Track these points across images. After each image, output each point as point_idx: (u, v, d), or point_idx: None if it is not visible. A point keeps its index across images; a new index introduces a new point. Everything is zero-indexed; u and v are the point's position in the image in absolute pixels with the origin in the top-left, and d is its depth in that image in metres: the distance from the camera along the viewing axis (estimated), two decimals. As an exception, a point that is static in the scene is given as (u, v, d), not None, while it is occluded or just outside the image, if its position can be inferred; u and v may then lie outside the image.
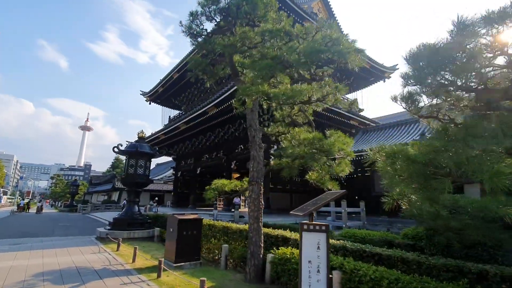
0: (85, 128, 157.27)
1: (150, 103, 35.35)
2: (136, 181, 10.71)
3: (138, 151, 10.76)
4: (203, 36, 6.64)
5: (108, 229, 10.23)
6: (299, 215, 4.63)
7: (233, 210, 24.82)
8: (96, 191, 48.98)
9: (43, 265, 6.44)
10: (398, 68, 28.37)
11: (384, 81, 29.24)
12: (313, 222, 3.66)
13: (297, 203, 24.21)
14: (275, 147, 21.80)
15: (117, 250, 8.11)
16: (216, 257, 7.46)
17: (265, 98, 5.60)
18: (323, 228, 3.53)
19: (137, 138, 11.52)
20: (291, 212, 4.91)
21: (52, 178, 65.11)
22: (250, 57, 6.08)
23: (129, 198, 10.99)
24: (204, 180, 32.20)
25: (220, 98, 18.24)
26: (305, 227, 3.54)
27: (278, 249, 5.55)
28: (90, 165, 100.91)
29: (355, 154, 18.45)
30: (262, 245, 5.51)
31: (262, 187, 5.89)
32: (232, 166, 25.08)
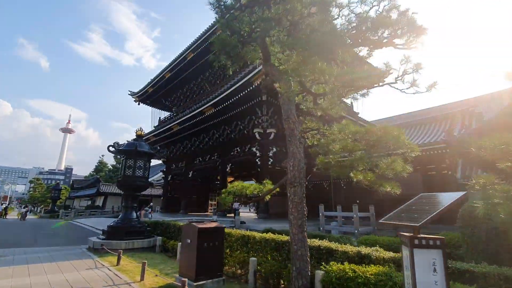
0: (66, 130, 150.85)
1: (139, 104, 33.74)
2: (134, 184, 9.47)
3: (137, 151, 9.54)
4: (232, 11, 5.62)
5: (103, 239, 8.92)
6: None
7: (228, 215, 23.70)
8: (78, 196, 46.36)
9: (30, 286, 5.18)
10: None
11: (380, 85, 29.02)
12: (425, 236, 2.73)
13: (295, 207, 23.33)
14: (274, 149, 20.93)
15: (118, 264, 6.87)
16: (238, 272, 6.39)
17: (315, 80, 4.66)
18: (438, 243, 2.62)
19: (135, 137, 10.30)
20: (381, 220, 3.91)
21: (31, 182, 61.42)
22: (289, 36, 5.14)
23: (126, 203, 9.72)
24: (196, 184, 30.82)
25: (220, 97, 17.17)
26: (416, 241, 2.61)
27: (323, 264, 4.59)
28: (72, 169, 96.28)
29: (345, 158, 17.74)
30: (309, 260, 4.53)
31: (304, 190, 4.92)
32: (227, 169, 23.94)
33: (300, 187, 4.74)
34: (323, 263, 4.75)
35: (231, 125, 22.80)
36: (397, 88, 4.19)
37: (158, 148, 10.46)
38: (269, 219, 18.46)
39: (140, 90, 31.79)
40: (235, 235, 7.04)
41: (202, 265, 5.22)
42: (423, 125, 18.35)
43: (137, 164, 9.67)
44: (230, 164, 23.81)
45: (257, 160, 20.47)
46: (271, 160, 20.49)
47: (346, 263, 4.19)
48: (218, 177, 28.84)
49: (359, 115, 24.92)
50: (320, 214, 13.40)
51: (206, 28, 21.59)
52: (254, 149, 20.59)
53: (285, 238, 5.96)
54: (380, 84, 4.35)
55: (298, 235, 4.49)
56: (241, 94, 16.65)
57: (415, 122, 18.94)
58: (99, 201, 37.74)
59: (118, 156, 31.90)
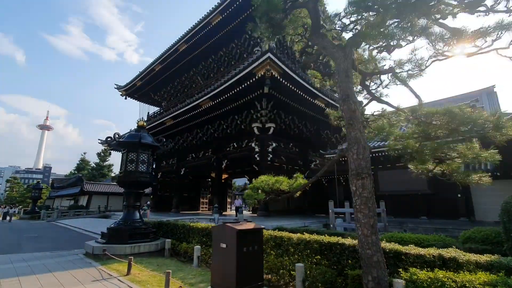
0: (44, 128, 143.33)
1: (126, 98, 32.05)
2: (137, 181, 8.35)
3: (141, 143, 8.42)
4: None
5: (103, 243, 7.77)
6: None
7: (224, 213, 22.72)
8: (59, 196, 43.80)
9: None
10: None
11: (374, 80, 28.77)
12: None
13: (295, 203, 22.63)
14: (274, 144, 20.10)
15: (128, 273, 5.81)
16: (273, 279, 5.51)
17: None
18: None
19: (134, 128, 9.14)
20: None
21: (7, 181, 57.64)
22: None
23: (128, 202, 8.57)
24: (186, 182, 29.51)
25: (220, 88, 16.10)
26: None
27: (401, 271, 3.79)
28: (50, 168, 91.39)
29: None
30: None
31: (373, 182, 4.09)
32: (223, 166, 22.90)
33: (369, 178, 3.90)
34: (390, 268, 3.96)
35: (227, 120, 21.77)
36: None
37: (164, 140, 9.28)
38: (270, 217, 17.64)
39: (128, 84, 30.10)
40: (265, 235, 6.14)
41: (243, 273, 4.30)
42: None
43: (140, 158, 8.56)
44: (225, 161, 22.80)
45: (255, 156, 19.58)
46: (271, 155, 19.67)
47: (438, 270, 3.40)
48: (212, 174, 27.74)
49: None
50: (330, 211, 12.73)
51: (201, 18, 20.42)
52: (252, 144, 19.69)
53: (327, 239, 5.12)
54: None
55: (371, 237, 3.67)
56: (242, 86, 15.68)
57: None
58: (83, 201, 35.67)
59: (110, 151, 30.06)
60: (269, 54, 13.93)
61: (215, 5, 19.52)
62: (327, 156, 18.47)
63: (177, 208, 26.64)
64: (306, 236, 5.42)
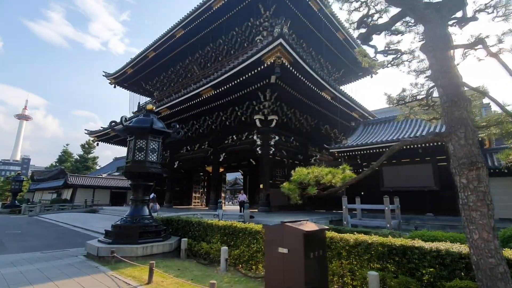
0: (22, 117, 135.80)
1: (115, 87, 30.29)
2: (147, 171, 7.27)
3: (152, 129, 7.32)
4: None
5: (109, 243, 6.67)
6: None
7: (224, 209, 21.72)
8: (40, 189, 41.29)
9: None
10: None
11: (372, 76, 28.41)
12: None
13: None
14: (276, 137, 19.23)
15: (150, 281, 4.79)
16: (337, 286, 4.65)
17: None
18: None
19: (127, 118, 7.95)
20: None
21: (-19, 173, 54.03)
22: None
23: (136, 196, 7.47)
24: (178, 176, 28.17)
25: (225, 76, 14.98)
26: None
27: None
28: (29, 159, 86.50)
29: (363, 147, 16.30)
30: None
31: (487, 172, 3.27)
32: (220, 159, 21.84)
33: (484, 168, 3.09)
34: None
35: (227, 111, 20.70)
36: None
37: (176, 125, 8.19)
38: (272, 213, 16.84)
39: (117, 71, 28.34)
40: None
41: (310, 284, 3.43)
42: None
43: (150, 146, 7.47)
44: (223, 154, 21.75)
45: (257, 149, 18.67)
46: (273, 149, 18.82)
47: None
48: (208, 168, 26.61)
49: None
50: (344, 207, 12.04)
51: (202, 1, 19.16)
52: (254, 137, 18.76)
53: (398, 241, 4.31)
54: None
55: (493, 242, 2.87)
56: (248, 75, 14.66)
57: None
58: (67, 194, 33.65)
59: (97, 142, 28.30)
60: (280, 40, 12.98)
61: (217, -11, 18.34)
62: (332, 150, 17.80)
63: (170, 203, 25.43)
64: (367, 237, 4.59)
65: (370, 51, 6.64)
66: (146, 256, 6.42)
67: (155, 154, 7.59)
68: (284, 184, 6.07)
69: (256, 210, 18.22)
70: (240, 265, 6.00)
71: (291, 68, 14.00)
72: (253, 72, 14.37)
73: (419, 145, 15.08)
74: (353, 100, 18.41)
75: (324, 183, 5.24)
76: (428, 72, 4.87)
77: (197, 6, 19.66)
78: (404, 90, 5.08)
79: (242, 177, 42.56)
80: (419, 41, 5.25)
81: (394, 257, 4.24)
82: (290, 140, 21.02)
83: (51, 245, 9.43)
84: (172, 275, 5.09)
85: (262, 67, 13.87)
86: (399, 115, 6.40)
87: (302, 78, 14.78)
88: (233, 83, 15.56)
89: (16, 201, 27.45)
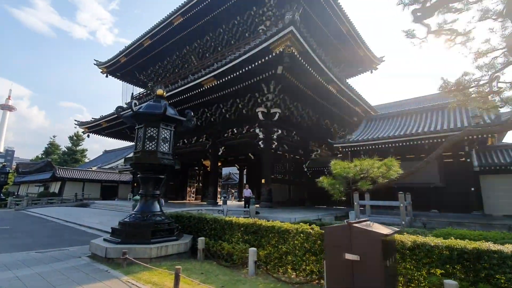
0: (6, 108, 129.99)
1: (107, 76, 28.93)
2: (158, 163, 6.50)
3: (165, 116, 6.54)
4: None
5: (118, 242, 5.89)
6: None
7: (219, 204, 21.02)
8: (25, 181, 39.47)
9: None
10: (384, 60, 27.40)
11: (372, 72, 28.04)
12: None
13: (295, 195, 21.40)
14: (279, 131, 18.59)
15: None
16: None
17: None
18: None
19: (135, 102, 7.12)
20: None
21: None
22: None
23: (146, 190, 6.69)
24: (174, 169, 27.19)
25: (230, 64, 14.15)
26: None
27: None
28: (13, 151, 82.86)
29: (369, 142, 15.69)
30: None
31: None
32: (219, 153, 21.08)
33: None
34: None
35: (227, 103, 19.91)
36: None
37: (190, 113, 7.39)
38: (274, 209, 16.27)
39: (110, 60, 27.01)
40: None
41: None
42: (435, 112, 17.40)
43: (162, 134, 6.70)
44: (223, 147, 21.00)
45: (259, 143, 18.02)
46: (275, 143, 18.20)
47: None
48: (205, 162, 25.78)
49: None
50: (355, 203, 11.51)
51: (204, -14, 18.18)
52: (257, 130, 18.06)
53: (471, 244, 3.74)
54: None
55: None
56: (254, 65, 13.90)
57: (427, 108, 17.94)
58: (55, 188, 32.19)
59: (88, 134, 26.96)
60: (292, 28, 12.26)
61: (221, -27, 17.41)
62: (336, 145, 17.32)
63: (165, 197, 24.50)
64: (428, 239, 4.00)
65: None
66: (160, 258, 5.69)
67: (167, 144, 6.84)
68: (322, 178, 5.47)
69: (257, 206, 17.64)
70: (266, 267, 5.36)
71: (300, 59, 13.33)
72: (260, 62, 13.63)
73: (425, 141, 14.76)
74: (358, 95, 17.92)
75: (372, 177, 4.65)
76: (496, 53, 4.32)
77: (199, -10, 18.66)
78: (466, 74, 4.50)
79: (237, 171, 41.89)
80: (478, 21, 4.68)
81: (464, 262, 3.68)
82: (292, 135, 20.45)
83: (46, 243, 8.56)
84: (197, 281, 4.41)
85: (270, 56, 13.14)
86: (451, 102, 5.82)
87: (310, 69, 14.14)
88: (237, 73, 14.79)
89: (1, 194, 25.97)
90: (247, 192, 14.51)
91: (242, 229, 6.22)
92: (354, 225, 3.12)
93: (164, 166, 6.63)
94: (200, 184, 30.54)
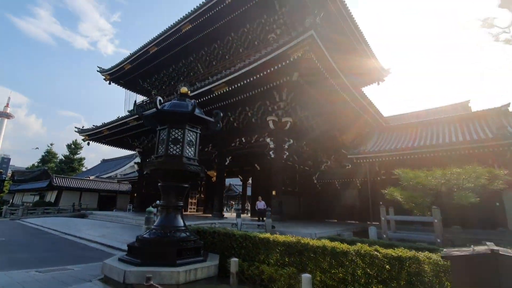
0: (4, 115, 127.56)
1: (110, 83, 28.13)
2: (184, 169, 5.57)
3: (193, 115, 5.66)
4: None
5: (138, 263, 4.83)
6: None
7: (226, 217, 19.89)
8: (20, 190, 37.85)
9: None
10: (391, 72, 27.00)
11: (378, 83, 27.58)
12: None
13: (305, 207, 20.36)
14: (290, 141, 17.73)
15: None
16: None
17: None
18: None
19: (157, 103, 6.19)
20: None
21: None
22: None
23: (168, 201, 5.70)
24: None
25: (246, 69, 13.41)
26: None
27: None
28: (9, 159, 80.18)
29: (391, 153, 14.60)
30: None
31: None
32: (226, 163, 20.10)
33: None
34: None
35: (235, 111, 19.08)
36: None
37: (220, 113, 6.43)
38: (286, 222, 15.22)
39: (114, 67, 26.27)
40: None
41: None
42: (453, 124, 16.74)
43: (187, 137, 5.79)
44: (229, 157, 20.05)
45: (270, 152, 17.11)
46: (286, 153, 17.33)
47: None
48: (209, 172, 24.69)
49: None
50: (382, 219, 10.59)
51: (215, -8, 17.67)
52: (268, 140, 17.19)
53: None
54: None
55: None
56: (270, 70, 13.19)
57: (444, 120, 17.30)
58: (51, 197, 30.69)
59: (88, 142, 25.80)
60: (312, 32, 11.61)
61: (234, -20, 16.95)
62: (350, 156, 16.48)
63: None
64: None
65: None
66: (189, 283, 4.66)
67: (192, 148, 5.91)
68: (391, 189, 4.63)
69: (260, 218, 16.50)
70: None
71: (318, 64, 12.66)
72: (276, 67, 12.93)
73: (449, 152, 13.96)
74: (371, 104, 17.25)
75: (469, 187, 3.77)
76: None
77: (208, -1, 18.16)
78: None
79: (238, 183, 40.67)
80: None
81: None
82: (301, 145, 19.62)
83: (45, 259, 7.46)
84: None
85: (288, 61, 12.46)
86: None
87: (328, 76, 13.47)
88: (250, 80, 14.05)
89: (-5, 203, 24.55)
90: (260, 204, 13.50)
91: (281, 248, 5.25)
92: (501, 253, 2.22)
93: (189, 173, 5.68)
94: (202, 195, 29.37)
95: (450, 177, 3.77)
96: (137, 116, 20.50)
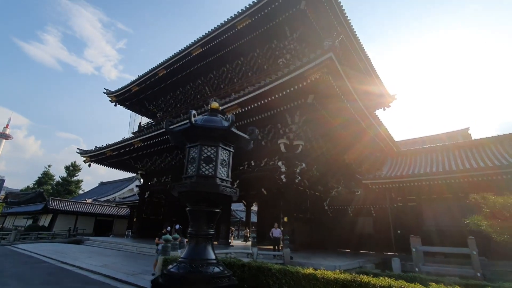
0: (3, 136, 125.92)
1: (115, 105, 27.79)
2: (218, 192, 4.85)
3: (229, 131, 5.05)
4: None
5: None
6: None
7: (233, 245, 18.72)
8: (13, 213, 36.08)
9: None
10: (397, 98, 27.02)
11: (384, 109, 27.50)
12: None
13: (317, 235, 19.21)
14: (302, 165, 17.02)
15: None
16: None
17: None
18: None
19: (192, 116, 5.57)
20: None
21: None
22: None
23: (197, 229, 4.87)
24: (176, 204, 24.81)
25: (262, 90, 13.01)
26: None
27: None
28: (3, 180, 78.14)
29: (411, 179, 13.71)
30: None
31: None
32: (234, 186, 19.20)
33: None
34: None
35: (245, 133, 18.54)
36: None
37: (256, 131, 5.79)
38: (300, 252, 14.13)
39: (121, 89, 26.05)
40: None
41: None
42: (468, 149, 16.29)
43: (220, 156, 5.13)
44: (237, 181, 19.19)
45: (281, 176, 16.36)
46: (299, 177, 16.59)
47: None
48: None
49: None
50: (414, 250, 9.67)
51: (226, 20, 17.84)
52: (279, 163, 16.52)
53: None
54: None
55: None
56: (286, 92, 12.85)
57: (458, 145, 16.87)
58: (45, 221, 29.12)
59: (89, 164, 24.85)
60: (331, 54, 11.37)
61: (245, 7, 17.14)
62: (365, 181, 15.78)
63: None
64: None
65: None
66: (229, 333, 3.79)
67: (225, 168, 5.22)
68: (476, 217, 3.98)
69: (265, 247, 15.39)
70: None
71: (336, 87, 12.36)
72: (292, 89, 12.60)
73: (468, 179, 13.34)
74: (385, 129, 16.85)
75: None
76: None
77: (221, 24, 18.31)
78: None
79: (240, 208, 39.31)
80: None
81: None
82: (312, 169, 18.92)
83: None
84: None
85: (304, 83, 12.15)
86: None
87: (344, 99, 13.14)
88: (263, 101, 13.68)
89: (-15, 227, 23.06)
90: (276, 232, 12.52)
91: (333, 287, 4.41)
92: None
93: (222, 196, 4.94)
94: (204, 221, 28.03)
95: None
96: (149, 135, 19.76)
